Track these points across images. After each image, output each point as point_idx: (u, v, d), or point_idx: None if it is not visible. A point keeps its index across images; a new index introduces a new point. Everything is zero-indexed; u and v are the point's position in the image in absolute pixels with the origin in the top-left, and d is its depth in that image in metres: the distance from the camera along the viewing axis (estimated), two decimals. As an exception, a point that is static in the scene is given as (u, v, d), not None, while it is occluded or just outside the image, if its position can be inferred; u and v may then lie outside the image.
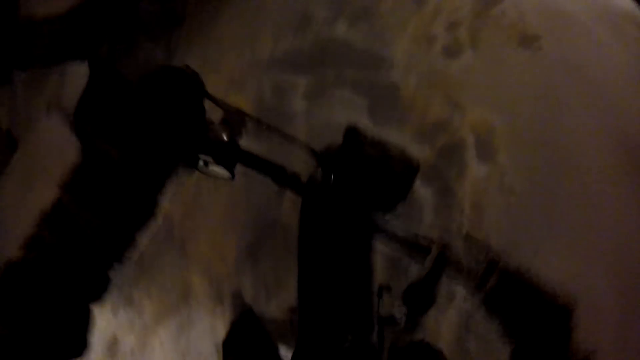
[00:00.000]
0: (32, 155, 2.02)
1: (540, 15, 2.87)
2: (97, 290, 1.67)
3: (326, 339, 0.79)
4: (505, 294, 0.69)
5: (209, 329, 1.76)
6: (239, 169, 1.15)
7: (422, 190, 1.65)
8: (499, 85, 2.25)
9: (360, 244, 0.90)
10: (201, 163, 0.86)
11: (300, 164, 1.16)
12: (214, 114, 1.05)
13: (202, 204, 1.90)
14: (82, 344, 1.63)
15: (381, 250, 1.70)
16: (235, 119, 0.96)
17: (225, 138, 0.88)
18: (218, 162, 0.83)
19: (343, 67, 2.03)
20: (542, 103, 2.30)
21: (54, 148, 1.93)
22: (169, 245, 1.88)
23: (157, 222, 1.83)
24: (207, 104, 0.97)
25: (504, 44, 2.48)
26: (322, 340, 0.79)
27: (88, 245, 1.65)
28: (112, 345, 1.87)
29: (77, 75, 1.89)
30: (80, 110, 1.84)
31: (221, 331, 1.69)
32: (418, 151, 1.62)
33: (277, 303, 1.72)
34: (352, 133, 0.94)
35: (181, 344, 1.77)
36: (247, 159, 0.94)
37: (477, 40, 2.38)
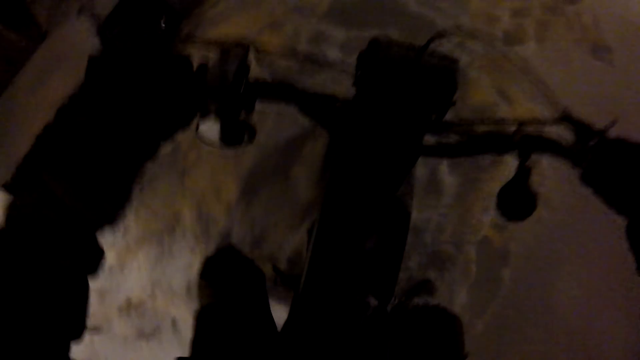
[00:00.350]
0: (53, 50, 1.96)
1: (617, 28, 2.62)
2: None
3: (340, 301, 0.66)
4: (607, 166, 0.59)
5: (186, 266, 1.68)
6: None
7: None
8: (559, 85, 2.02)
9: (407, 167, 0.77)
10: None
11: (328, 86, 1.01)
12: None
13: None
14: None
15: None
16: (235, 55, 0.75)
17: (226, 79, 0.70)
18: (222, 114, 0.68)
19: (390, 28, 1.87)
20: (602, 115, 2.11)
21: (76, 46, 1.88)
22: (169, 171, 1.81)
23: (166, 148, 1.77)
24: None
25: (574, 46, 2.27)
26: (334, 302, 0.65)
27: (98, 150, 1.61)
28: (93, 258, 1.84)
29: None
30: (109, 19, 1.79)
31: (196, 269, 1.62)
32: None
33: (260, 254, 1.63)
34: (375, 44, 0.79)
35: (156, 273, 1.69)
36: (261, 90, 0.78)
37: (544, 34, 2.16)
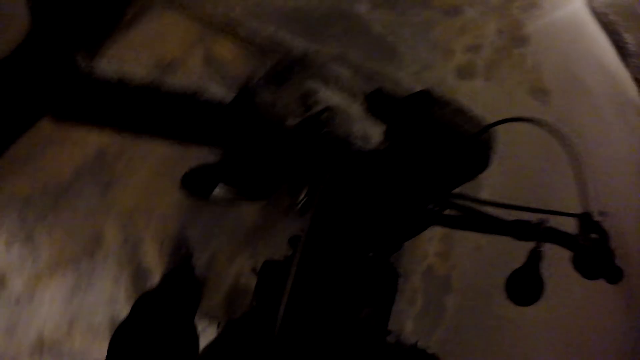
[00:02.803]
0: None
1: (555, 72, 2.85)
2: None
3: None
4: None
5: (108, 299, 1.44)
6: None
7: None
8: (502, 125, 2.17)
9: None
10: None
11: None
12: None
13: (141, 145, 1.61)
14: None
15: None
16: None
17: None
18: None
19: (352, 46, 1.86)
20: (539, 158, 2.24)
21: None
22: (91, 182, 1.57)
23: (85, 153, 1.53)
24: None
25: (516, 86, 2.42)
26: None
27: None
28: (-2, 284, 1.54)
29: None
30: None
31: (121, 304, 1.39)
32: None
33: (195, 284, 1.50)
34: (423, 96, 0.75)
35: (72, 307, 1.42)
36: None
37: (492, 72, 2.30)
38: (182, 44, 1.82)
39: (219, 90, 1.68)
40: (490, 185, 1.79)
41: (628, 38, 5.39)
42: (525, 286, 0.65)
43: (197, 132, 0.60)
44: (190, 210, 1.57)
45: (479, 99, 2.13)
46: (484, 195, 1.74)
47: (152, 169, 1.61)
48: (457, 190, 0.77)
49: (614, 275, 0.68)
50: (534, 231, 0.67)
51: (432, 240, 1.77)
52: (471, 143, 0.72)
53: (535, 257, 0.65)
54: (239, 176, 0.70)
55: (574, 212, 0.70)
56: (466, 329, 1.70)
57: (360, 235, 0.68)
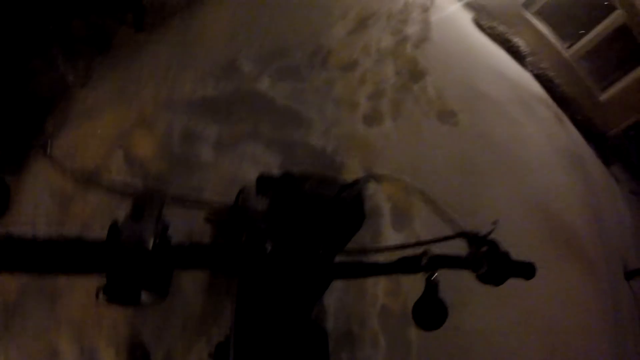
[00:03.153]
0: None
1: (459, 93, 3.11)
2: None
3: None
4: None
5: None
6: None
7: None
8: (417, 155, 2.33)
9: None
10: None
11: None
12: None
13: None
14: None
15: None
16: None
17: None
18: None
19: (260, 122, 1.96)
20: (460, 174, 2.41)
21: None
22: (38, 298, 1.54)
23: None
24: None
25: (423, 117, 2.62)
26: None
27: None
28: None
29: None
30: None
31: None
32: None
33: None
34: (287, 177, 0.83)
35: None
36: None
37: (398, 111, 2.48)
38: (102, 150, 1.85)
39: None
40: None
41: (519, 42, 5.99)
42: (429, 313, 0.70)
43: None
44: (138, 312, 1.57)
45: (391, 139, 2.28)
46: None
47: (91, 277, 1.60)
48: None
49: (525, 271, 0.74)
50: (418, 264, 0.72)
51: (378, 283, 1.84)
52: (336, 205, 0.78)
53: (430, 286, 0.70)
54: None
55: (455, 234, 0.76)
56: (436, 354, 1.75)
57: (282, 305, 0.73)
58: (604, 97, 6.77)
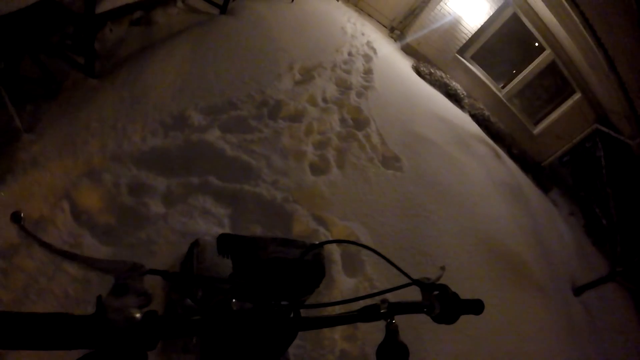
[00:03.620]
0: None
1: (401, 139, 3.30)
2: None
3: None
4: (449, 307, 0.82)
5: None
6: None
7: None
8: (364, 201, 2.45)
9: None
10: None
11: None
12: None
13: (33, 299, 1.55)
14: None
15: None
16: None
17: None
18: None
19: (209, 175, 2.00)
20: (407, 216, 2.55)
21: None
22: None
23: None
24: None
25: (368, 163, 2.76)
26: None
27: None
28: None
29: None
30: None
31: None
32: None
33: None
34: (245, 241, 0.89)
35: None
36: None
37: (343, 159, 2.61)
38: (47, 201, 1.80)
39: (91, 242, 1.68)
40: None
41: (456, 85, 6.48)
42: (391, 356, 0.74)
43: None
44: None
45: (338, 186, 2.38)
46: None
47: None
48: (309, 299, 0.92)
49: (474, 308, 0.82)
50: (378, 312, 0.77)
51: (335, 329, 1.87)
52: (299, 264, 0.85)
53: (390, 331, 0.76)
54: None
55: (409, 282, 0.83)
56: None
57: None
58: (537, 130, 7.37)
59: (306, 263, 0.89)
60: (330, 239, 2.07)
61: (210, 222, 1.83)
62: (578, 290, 4.28)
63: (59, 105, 2.26)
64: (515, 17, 6.43)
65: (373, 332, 1.91)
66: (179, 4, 3.22)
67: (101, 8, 2.32)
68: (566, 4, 4.95)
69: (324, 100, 3.05)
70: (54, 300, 1.42)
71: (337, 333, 1.83)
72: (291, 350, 1.80)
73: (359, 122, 3.07)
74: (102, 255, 1.64)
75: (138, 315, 0.69)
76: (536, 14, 6.07)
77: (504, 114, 7.20)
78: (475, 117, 6.24)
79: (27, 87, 2.22)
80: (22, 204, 1.83)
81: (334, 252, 2.05)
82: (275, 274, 0.86)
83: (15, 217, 0.70)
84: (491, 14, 6.42)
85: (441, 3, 6.45)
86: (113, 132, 2.12)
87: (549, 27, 6.10)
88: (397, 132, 3.32)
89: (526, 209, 4.64)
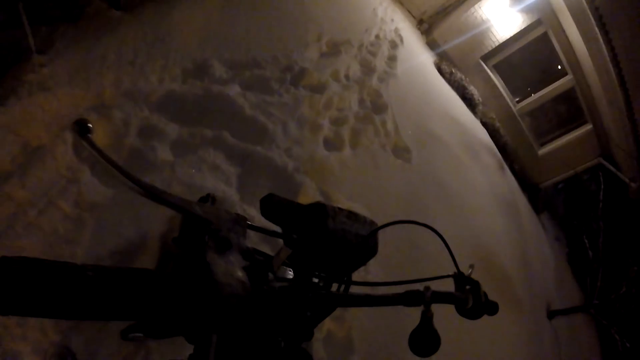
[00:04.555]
0: None
1: (414, 132, 3.27)
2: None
3: None
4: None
5: None
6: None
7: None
8: (371, 185, 2.42)
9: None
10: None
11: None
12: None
13: (19, 232, 1.49)
14: None
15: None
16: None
17: None
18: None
19: (224, 130, 1.94)
20: (408, 209, 2.53)
21: None
22: None
23: None
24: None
25: (380, 149, 2.73)
26: None
27: None
28: None
29: None
30: None
31: None
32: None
33: None
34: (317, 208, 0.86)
35: None
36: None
37: (357, 141, 2.57)
38: (50, 129, 1.73)
39: (90, 180, 1.62)
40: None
41: (473, 90, 6.42)
42: (425, 342, 0.75)
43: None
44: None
45: (349, 166, 2.35)
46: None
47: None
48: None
49: (491, 309, 0.85)
50: (422, 298, 0.78)
51: None
52: (363, 245, 0.85)
53: (426, 318, 0.76)
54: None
55: (447, 274, 0.87)
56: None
57: (273, 327, 0.73)
58: (542, 151, 7.38)
59: (370, 241, 0.89)
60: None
61: (218, 178, 1.78)
62: (551, 314, 4.36)
63: (77, 31, 2.14)
64: (545, 37, 6.35)
65: (361, 318, 1.91)
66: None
67: None
68: (600, 39, 4.92)
69: (347, 77, 2.99)
70: (42, 236, 1.33)
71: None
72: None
73: (378, 106, 3.02)
74: (101, 197, 1.56)
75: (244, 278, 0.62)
76: (567, 38, 6.00)
77: (514, 129, 7.19)
78: (486, 126, 6.22)
79: (45, 7, 2.11)
80: (23, 129, 1.75)
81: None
82: (340, 245, 0.83)
83: (82, 128, 0.64)
84: (522, 27, 6.33)
85: (475, 6, 6.34)
86: (130, 68, 2.03)
87: (577, 55, 6.06)
88: (412, 124, 3.29)
89: (519, 227, 4.67)
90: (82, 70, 1.93)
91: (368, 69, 3.36)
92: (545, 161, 7.45)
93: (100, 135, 1.79)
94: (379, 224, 0.95)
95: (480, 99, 6.50)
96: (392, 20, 4.98)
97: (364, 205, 2.25)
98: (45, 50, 2.00)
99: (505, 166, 5.91)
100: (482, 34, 6.55)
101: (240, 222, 0.73)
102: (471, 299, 0.82)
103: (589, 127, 6.81)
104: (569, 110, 7.03)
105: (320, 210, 0.83)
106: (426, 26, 6.98)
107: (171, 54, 2.17)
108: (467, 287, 0.84)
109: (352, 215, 0.89)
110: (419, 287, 0.80)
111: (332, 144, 2.36)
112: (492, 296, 0.89)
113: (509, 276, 3.30)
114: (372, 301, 0.82)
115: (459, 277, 0.86)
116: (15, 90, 1.77)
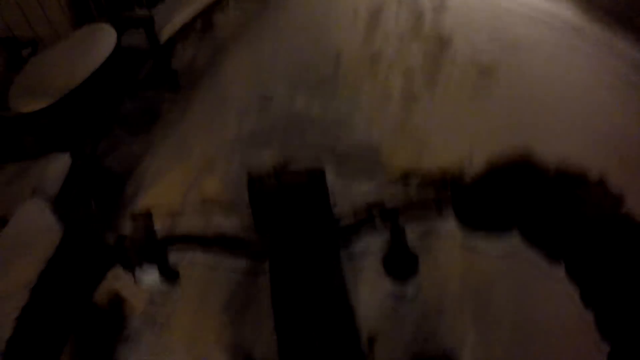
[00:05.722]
0: (14, 236, 1.94)
1: (494, 46, 2.96)
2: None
3: None
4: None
5: None
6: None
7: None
8: (461, 124, 2.28)
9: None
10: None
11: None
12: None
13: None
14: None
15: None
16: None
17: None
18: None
19: (305, 136, 2.07)
20: (510, 133, 2.29)
21: (36, 228, 1.87)
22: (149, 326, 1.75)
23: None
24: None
25: (461, 81, 2.55)
26: None
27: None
28: None
29: (59, 164, 1.92)
30: (61, 195, 1.88)
31: None
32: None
33: None
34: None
35: None
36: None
37: (433, 84, 2.46)
38: (180, 194, 2.04)
39: (224, 222, 1.85)
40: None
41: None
42: (399, 262, 0.66)
43: None
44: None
45: (431, 116, 2.25)
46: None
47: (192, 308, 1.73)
48: None
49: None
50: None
51: None
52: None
53: (396, 231, 0.67)
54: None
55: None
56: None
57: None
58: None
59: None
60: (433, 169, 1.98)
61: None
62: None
63: (164, 126, 2.52)
64: None
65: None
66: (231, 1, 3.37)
67: (164, 36, 2.55)
68: None
69: (398, 35, 2.90)
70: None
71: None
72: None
73: (440, 44, 2.85)
74: (229, 226, 1.75)
75: None
76: None
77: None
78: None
79: (134, 121, 2.54)
80: (163, 201, 2.05)
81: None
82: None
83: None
84: None
85: None
86: (214, 128, 2.31)
87: None
88: (489, 36, 2.98)
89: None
90: (181, 150, 2.22)
91: (416, 15, 3.20)
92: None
93: (213, 188, 2.01)
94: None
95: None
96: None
97: (463, 145, 2.11)
98: (146, 152, 2.35)
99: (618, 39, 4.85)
100: None
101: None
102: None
103: None
104: None
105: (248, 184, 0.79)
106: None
107: (236, 102, 2.40)
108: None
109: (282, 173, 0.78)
110: None
111: (409, 100, 2.30)
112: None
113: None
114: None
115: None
116: (139, 189, 2.10)
